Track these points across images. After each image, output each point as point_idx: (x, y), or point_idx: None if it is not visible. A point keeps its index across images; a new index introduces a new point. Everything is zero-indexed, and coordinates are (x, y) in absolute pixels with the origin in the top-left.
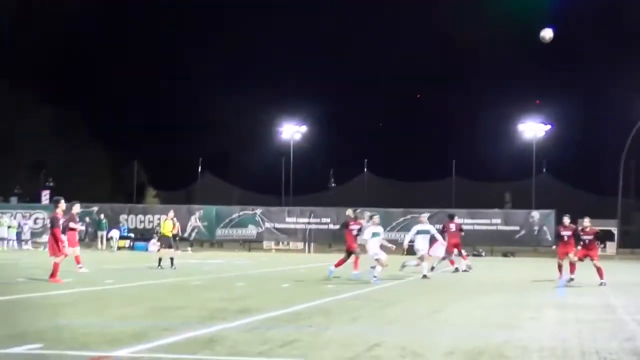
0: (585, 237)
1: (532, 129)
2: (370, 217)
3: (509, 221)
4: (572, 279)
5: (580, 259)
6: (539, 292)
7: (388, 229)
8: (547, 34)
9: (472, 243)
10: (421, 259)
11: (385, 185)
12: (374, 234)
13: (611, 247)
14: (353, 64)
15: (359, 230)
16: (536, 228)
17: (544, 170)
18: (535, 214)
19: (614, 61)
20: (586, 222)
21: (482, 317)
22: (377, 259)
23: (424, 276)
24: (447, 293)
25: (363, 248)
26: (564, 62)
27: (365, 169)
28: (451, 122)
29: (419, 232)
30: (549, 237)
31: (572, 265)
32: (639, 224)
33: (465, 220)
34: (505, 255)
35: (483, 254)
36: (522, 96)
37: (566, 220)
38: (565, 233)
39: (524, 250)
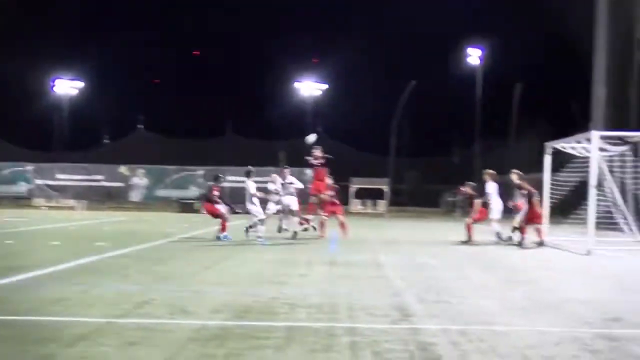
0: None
1: (309, 87)
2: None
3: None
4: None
5: (327, 216)
6: (310, 248)
7: (162, 185)
8: (311, 138)
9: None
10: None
11: (161, 141)
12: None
13: (382, 205)
14: (131, 17)
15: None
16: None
17: (320, 129)
18: (286, 171)
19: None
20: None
21: (252, 274)
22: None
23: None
24: (219, 250)
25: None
26: (340, 22)
27: (140, 125)
28: (229, 79)
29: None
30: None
31: (323, 223)
32: (409, 183)
33: (234, 178)
34: None
35: (239, 210)
36: (300, 55)
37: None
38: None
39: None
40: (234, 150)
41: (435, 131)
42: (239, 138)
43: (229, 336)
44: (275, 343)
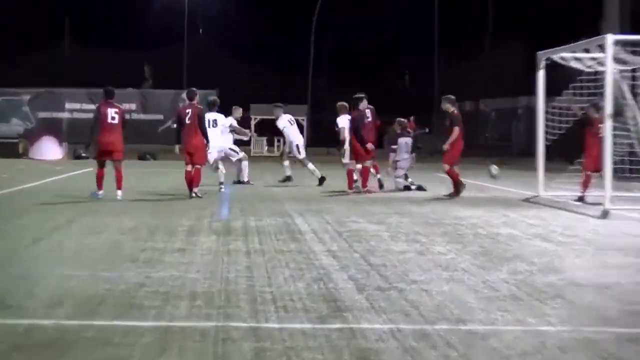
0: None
1: None
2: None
3: (148, 107)
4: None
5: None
6: (188, 209)
7: None
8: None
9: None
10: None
11: None
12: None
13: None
14: None
15: None
16: None
17: (200, 31)
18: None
19: None
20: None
21: (105, 248)
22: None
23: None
24: (60, 213)
25: None
26: None
27: None
28: None
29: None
30: None
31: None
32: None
33: (83, 106)
34: (142, 158)
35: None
36: None
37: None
38: None
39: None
40: (75, 63)
41: (373, 41)
42: (80, 47)
43: (73, 342)
44: (142, 352)
